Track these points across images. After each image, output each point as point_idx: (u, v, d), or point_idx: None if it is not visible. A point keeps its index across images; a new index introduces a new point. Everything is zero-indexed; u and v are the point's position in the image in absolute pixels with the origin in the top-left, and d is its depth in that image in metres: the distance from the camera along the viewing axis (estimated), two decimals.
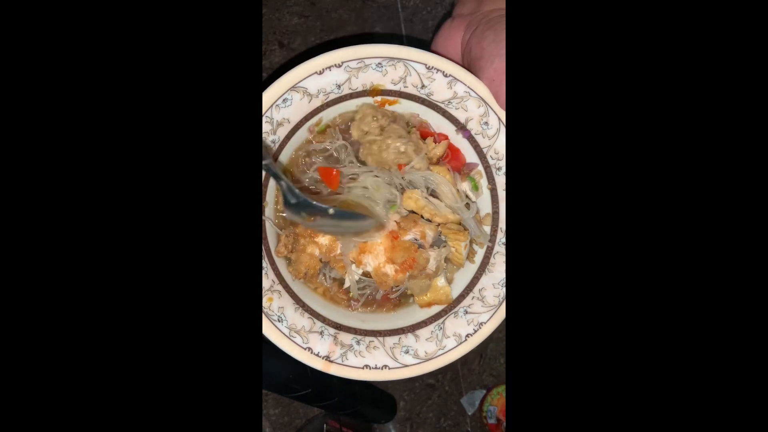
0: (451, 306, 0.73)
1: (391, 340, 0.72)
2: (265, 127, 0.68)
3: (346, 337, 0.72)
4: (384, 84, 0.69)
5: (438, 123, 0.73)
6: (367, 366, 0.71)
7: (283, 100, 0.67)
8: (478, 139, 0.72)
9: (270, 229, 0.72)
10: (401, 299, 0.76)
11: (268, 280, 0.70)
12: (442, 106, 0.71)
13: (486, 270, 0.73)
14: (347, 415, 0.93)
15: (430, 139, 0.72)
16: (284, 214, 0.71)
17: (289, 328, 0.70)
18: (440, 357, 0.71)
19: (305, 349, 0.70)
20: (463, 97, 0.70)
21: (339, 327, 0.72)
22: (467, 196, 0.73)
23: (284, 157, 0.72)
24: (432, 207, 0.70)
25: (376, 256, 0.68)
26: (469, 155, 0.74)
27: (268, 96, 0.67)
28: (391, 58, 0.68)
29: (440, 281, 0.73)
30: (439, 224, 0.71)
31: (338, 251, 0.71)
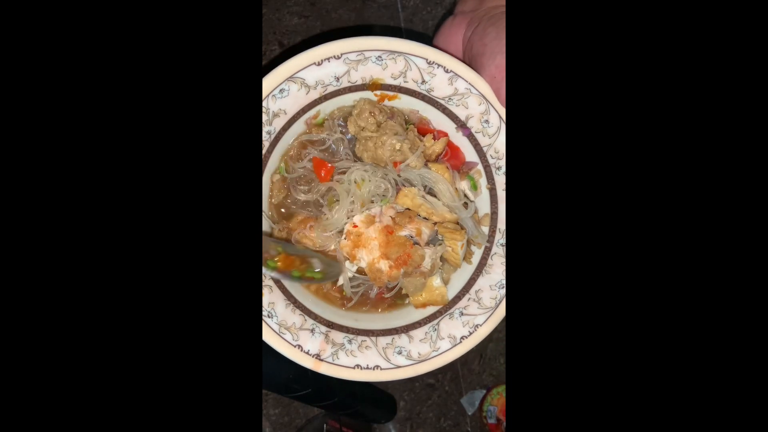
0: (447, 307, 0.72)
1: (384, 340, 0.70)
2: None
3: (338, 336, 0.70)
4: (384, 78, 0.68)
5: (438, 120, 0.72)
6: (358, 366, 0.69)
7: (280, 90, 0.66)
8: (479, 137, 0.71)
9: (263, 223, 0.71)
10: (396, 299, 0.75)
11: None
12: (443, 102, 0.70)
13: (483, 271, 0.72)
14: (347, 415, 0.92)
15: (429, 136, 0.70)
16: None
17: (279, 325, 0.68)
18: (434, 359, 0.69)
19: (295, 346, 0.68)
20: (464, 93, 0.69)
21: (331, 325, 0.70)
22: (465, 195, 0.72)
23: (280, 149, 0.70)
24: (428, 205, 0.69)
25: (370, 251, 0.66)
26: (469, 154, 0.72)
27: (265, 85, 0.65)
28: (392, 52, 0.67)
29: (436, 281, 0.71)
30: (435, 223, 0.70)
31: (332, 247, 0.70)
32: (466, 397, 1.04)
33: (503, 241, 0.71)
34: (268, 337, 0.67)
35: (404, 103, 0.71)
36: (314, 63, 0.66)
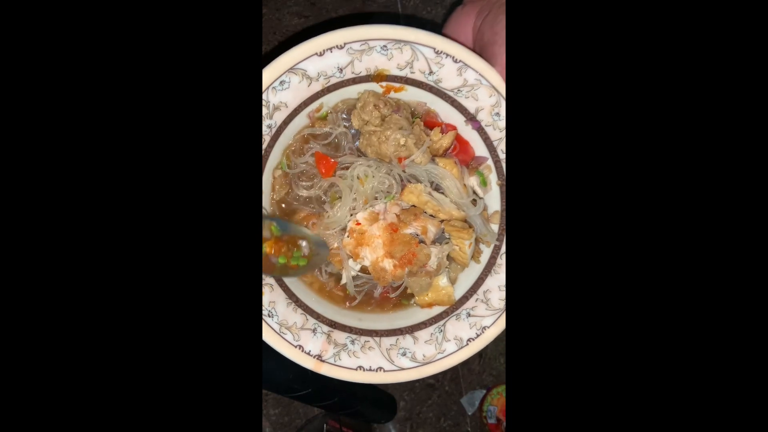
0: (454, 308, 0.69)
1: (387, 341, 0.68)
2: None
3: (341, 336, 0.68)
4: (389, 69, 0.65)
5: (446, 113, 0.69)
6: (360, 367, 0.67)
7: (281, 82, 0.63)
8: (489, 131, 0.68)
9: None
10: (402, 299, 0.72)
11: None
12: (451, 94, 0.67)
13: (492, 271, 0.69)
14: (347, 415, 0.92)
15: (436, 130, 0.67)
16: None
17: (280, 324, 0.66)
18: (438, 361, 0.67)
19: (296, 346, 0.66)
20: (474, 85, 0.66)
21: (333, 325, 0.68)
22: (474, 192, 0.69)
23: (281, 144, 0.68)
24: (435, 202, 0.66)
25: (374, 250, 0.64)
26: (479, 148, 0.69)
27: (265, 77, 0.63)
28: (398, 41, 0.64)
29: (442, 281, 0.69)
30: (442, 221, 0.67)
31: (335, 244, 0.67)
32: (466, 397, 1.04)
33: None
34: (269, 337, 0.65)
35: (411, 95, 0.68)
36: (316, 53, 0.63)
